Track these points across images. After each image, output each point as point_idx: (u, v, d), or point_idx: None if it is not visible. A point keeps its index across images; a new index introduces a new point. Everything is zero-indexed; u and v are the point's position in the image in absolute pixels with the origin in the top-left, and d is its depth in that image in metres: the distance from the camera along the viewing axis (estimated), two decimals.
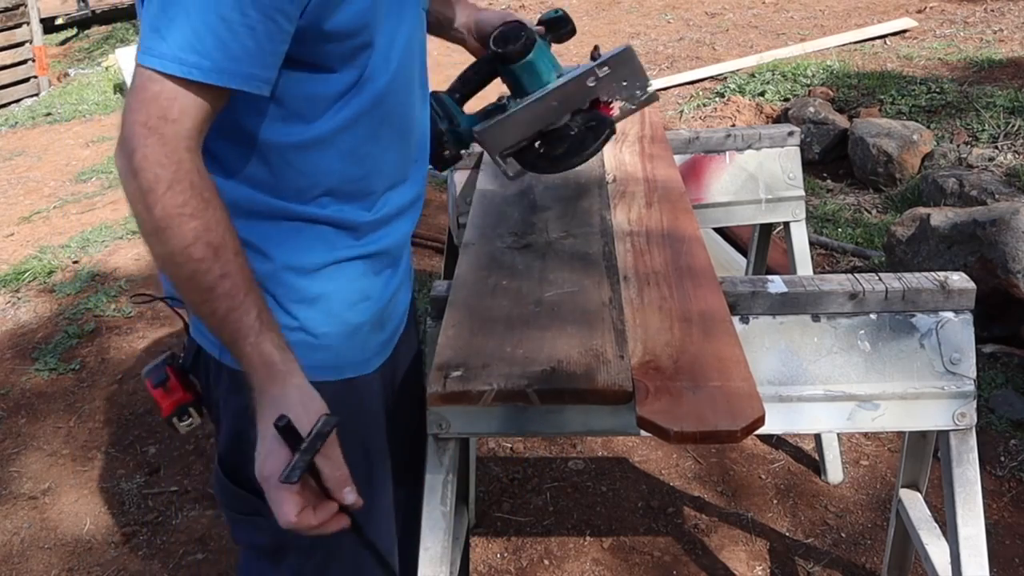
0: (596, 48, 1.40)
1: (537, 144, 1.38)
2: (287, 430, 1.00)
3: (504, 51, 1.36)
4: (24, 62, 8.55)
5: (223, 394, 1.23)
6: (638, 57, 1.36)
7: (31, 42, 8.62)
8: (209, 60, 0.97)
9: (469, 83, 1.46)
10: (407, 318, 1.40)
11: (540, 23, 1.45)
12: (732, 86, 5.43)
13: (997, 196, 3.50)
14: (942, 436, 1.46)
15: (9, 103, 8.26)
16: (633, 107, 1.39)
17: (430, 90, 1.37)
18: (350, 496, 1.05)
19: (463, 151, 1.43)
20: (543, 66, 1.37)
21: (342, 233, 1.19)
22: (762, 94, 5.24)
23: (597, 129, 1.35)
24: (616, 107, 1.38)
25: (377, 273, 1.25)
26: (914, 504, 1.78)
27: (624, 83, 1.36)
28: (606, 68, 1.35)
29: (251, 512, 1.25)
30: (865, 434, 2.61)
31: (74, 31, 11.96)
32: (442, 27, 1.51)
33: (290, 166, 1.13)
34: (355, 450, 1.23)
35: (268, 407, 1.05)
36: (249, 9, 0.97)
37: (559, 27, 1.44)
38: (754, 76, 5.48)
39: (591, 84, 1.35)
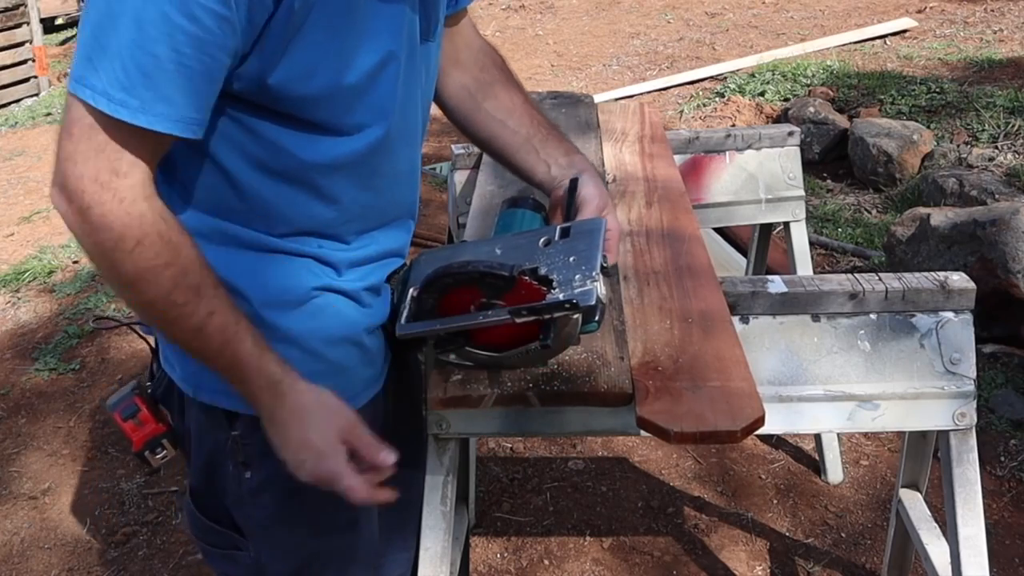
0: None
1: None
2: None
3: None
4: (24, 62, 8.52)
5: (196, 430, 1.18)
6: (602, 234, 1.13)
7: (31, 42, 8.60)
8: (137, 99, 0.90)
9: None
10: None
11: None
12: (732, 86, 5.42)
13: (997, 196, 3.50)
14: (942, 436, 1.46)
15: (9, 103, 8.24)
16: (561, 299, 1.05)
17: None
18: (386, 457, 1.08)
19: None
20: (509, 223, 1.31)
21: (322, 265, 1.12)
22: (762, 94, 5.24)
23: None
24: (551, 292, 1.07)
25: (364, 306, 1.17)
26: (914, 504, 1.78)
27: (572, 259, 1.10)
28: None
29: (228, 547, 1.22)
30: (865, 434, 2.61)
31: (74, 31, 11.96)
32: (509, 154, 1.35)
33: (259, 197, 1.06)
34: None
35: (285, 424, 1.06)
36: (184, 47, 0.88)
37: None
38: (754, 76, 5.48)
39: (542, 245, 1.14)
